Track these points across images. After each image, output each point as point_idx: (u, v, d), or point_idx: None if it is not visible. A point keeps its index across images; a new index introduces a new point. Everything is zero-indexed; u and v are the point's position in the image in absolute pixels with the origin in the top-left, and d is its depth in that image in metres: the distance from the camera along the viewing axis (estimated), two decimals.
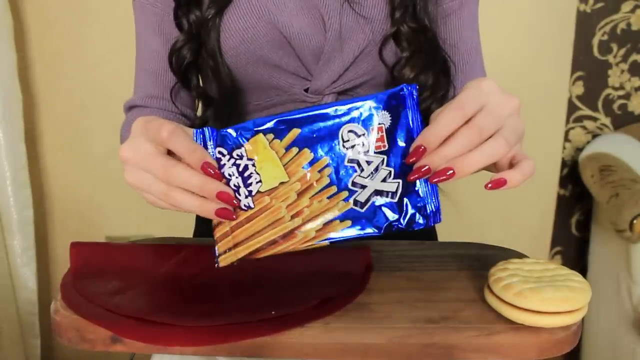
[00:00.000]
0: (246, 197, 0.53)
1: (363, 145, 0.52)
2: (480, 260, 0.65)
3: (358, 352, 0.52)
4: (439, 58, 0.74)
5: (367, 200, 0.53)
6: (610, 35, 1.60)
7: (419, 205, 0.53)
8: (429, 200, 0.53)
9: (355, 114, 0.52)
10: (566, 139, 1.67)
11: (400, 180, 0.52)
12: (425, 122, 0.53)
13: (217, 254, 0.54)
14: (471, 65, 0.78)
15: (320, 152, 0.53)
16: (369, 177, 0.52)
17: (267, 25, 0.70)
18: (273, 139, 0.53)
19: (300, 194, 0.53)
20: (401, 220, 0.53)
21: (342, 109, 0.52)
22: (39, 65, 1.57)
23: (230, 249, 0.54)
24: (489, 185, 0.52)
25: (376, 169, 0.52)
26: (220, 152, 0.53)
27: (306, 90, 0.74)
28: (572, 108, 1.65)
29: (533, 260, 0.59)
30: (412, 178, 0.51)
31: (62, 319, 0.54)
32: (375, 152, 0.52)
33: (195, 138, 0.53)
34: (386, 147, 0.52)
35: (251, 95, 0.77)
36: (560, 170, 1.69)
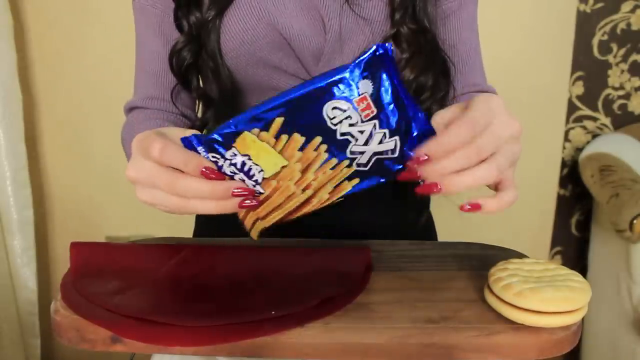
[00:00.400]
0: (254, 186, 0.54)
1: (351, 118, 0.51)
2: (480, 260, 0.65)
3: (358, 352, 0.52)
4: (439, 59, 0.74)
5: (369, 161, 0.53)
6: (610, 35, 1.60)
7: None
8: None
9: (335, 91, 0.51)
10: (566, 139, 1.67)
11: (397, 137, 0.52)
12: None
13: (247, 229, 0.56)
14: (470, 66, 0.78)
15: (310, 132, 0.52)
16: (365, 144, 0.52)
17: (267, 27, 0.70)
18: (260, 132, 0.52)
19: (303, 171, 0.54)
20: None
21: (319, 88, 0.51)
22: (39, 65, 1.57)
23: (256, 221, 0.56)
24: (466, 207, 0.53)
25: (370, 135, 0.52)
26: (213, 157, 0.53)
27: None
28: (572, 108, 1.65)
29: (533, 260, 0.59)
30: (400, 178, 0.52)
31: (62, 319, 0.54)
32: (365, 121, 0.51)
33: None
34: (374, 112, 0.51)
35: (251, 96, 0.77)
36: (560, 170, 1.69)
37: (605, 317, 1.51)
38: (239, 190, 0.52)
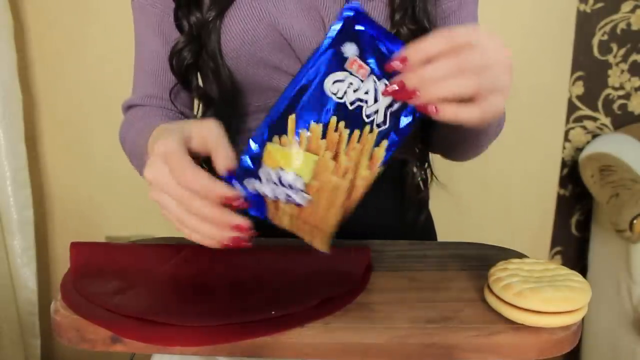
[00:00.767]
0: (303, 197, 0.55)
1: (352, 84, 0.53)
2: (480, 260, 0.65)
3: (358, 352, 0.52)
4: None
5: (385, 115, 0.54)
6: (610, 35, 1.60)
7: None
8: None
9: (326, 67, 0.53)
10: (566, 139, 1.67)
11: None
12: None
13: (311, 243, 0.57)
14: None
15: (324, 116, 0.53)
16: (375, 102, 0.53)
17: (267, 28, 0.70)
18: (279, 138, 0.53)
19: (335, 157, 0.54)
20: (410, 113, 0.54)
21: (312, 72, 0.53)
22: (39, 65, 1.57)
23: (315, 230, 0.56)
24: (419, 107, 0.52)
25: (375, 90, 0.53)
26: (251, 186, 0.55)
27: None
28: (572, 108, 1.65)
29: (533, 260, 0.59)
30: (384, 94, 0.52)
31: (62, 319, 0.54)
32: (364, 80, 0.53)
33: None
34: (368, 69, 0.53)
35: (251, 96, 0.77)
36: (560, 170, 1.69)
37: (605, 317, 1.51)
38: (241, 226, 0.53)
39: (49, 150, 1.63)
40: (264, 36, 0.70)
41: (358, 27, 0.53)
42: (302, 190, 0.54)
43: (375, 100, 0.53)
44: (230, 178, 0.54)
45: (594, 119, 1.66)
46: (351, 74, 0.53)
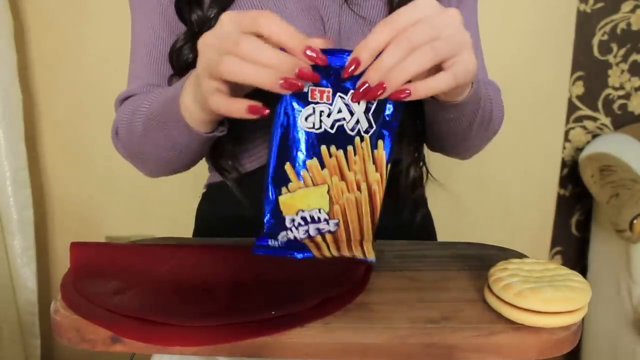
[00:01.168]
0: (331, 223, 0.57)
1: (323, 111, 0.54)
2: (480, 260, 0.65)
3: (358, 352, 0.52)
4: None
5: (367, 120, 0.54)
6: (610, 35, 1.60)
7: None
8: None
9: (292, 109, 0.54)
10: (566, 139, 1.67)
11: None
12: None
13: (367, 260, 0.58)
14: None
15: (314, 150, 0.55)
16: (352, 115, 0.54)
17: None
18: (286, 187, 0.56)
19: (342, 177, 0.56)
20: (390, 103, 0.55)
21: (283, 118, 0.54)
22: (39, 65, 1.57)
23: (362, 243, 0.58)
24: (397, 94, 0.51)
25: (346, 105, 0.54)
26: (285, 238, 0.57)
27: None
28: (572, 108, 1.65)
29: (533, 260, 0.59)
30: (355, 100, 0.52)
31: (62, 319, 0.54)
32: (331, 102, 0.54)
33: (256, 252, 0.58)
34: (330, 90, 0.53)
35: (252, 94, 0.77)
36: (560, 170, 1.69)
37: (605, 317, 1.51)
38: (309, 73, 0.50)
39: (49, 150, 1.63)
40: None
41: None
42: (327, 219, 0.56)
43: (352, 114, 0.54)
44: (263, 240, 0.57)
45: (594, 119, 1.66)
46: (317, 103, 0.54)
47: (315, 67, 0.51)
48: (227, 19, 0.51)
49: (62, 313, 0.54)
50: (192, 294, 0.57)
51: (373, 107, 0.54)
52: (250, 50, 0.48)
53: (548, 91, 1.63)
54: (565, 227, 1.74)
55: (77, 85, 1.58)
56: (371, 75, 0.50)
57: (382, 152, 0.55)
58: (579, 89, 1.64)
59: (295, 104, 0.54)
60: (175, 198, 1.54)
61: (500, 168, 1.64)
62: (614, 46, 1.61)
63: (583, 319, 0.54)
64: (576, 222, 1.74)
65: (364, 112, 0.54)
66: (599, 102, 1.64)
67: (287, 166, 0.55)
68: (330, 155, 0.55)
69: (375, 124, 0.55)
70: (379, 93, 0.50)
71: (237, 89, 0.54)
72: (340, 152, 0.55)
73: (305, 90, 0.53)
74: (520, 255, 0.64)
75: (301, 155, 0.55)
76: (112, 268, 0.61)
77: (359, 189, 0.56)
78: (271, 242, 0.58)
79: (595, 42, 1.60)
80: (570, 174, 1.69)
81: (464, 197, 1.64)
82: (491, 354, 0.52)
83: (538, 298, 0.52)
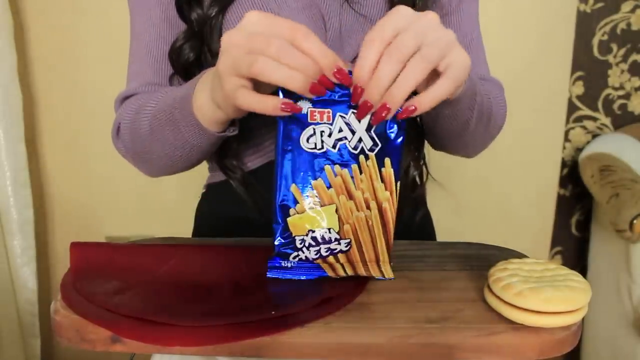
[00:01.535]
0: (342, 243, 0.57)
1: (323, 132, 0.54)
2: (480, 260, 0.65)
3: (358, 352, 0.52)
4: None
5: (371, 139, 0.54)
6: (610, 35, 1.60)
7: None
8: None
9: (293, 132, 0.54)
10: (566, 139, 1.67)
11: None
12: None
13: (385, 279, 0.59)
14: (471, 60, 0.78)
15: (318, 171, 0.55)
16: (353, 134, 0.54)
17: None
18: (294, 209, 0.56)
19: (350, 197, 0.56)
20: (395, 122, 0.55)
21: (286, 141, 0.54)
22: (39, 65, 1.57)
23: (379, 263, 0.59)
24: (401, 114, 0.51)
25: (347, 124, 0.54)
26: (298, 258, 0.58)
27: None
28: (572, 108, 1.65)
29: (533, 260, 0.59)
30: (360, 117, 0.52)
31: (62, 319, 0.54)
32: (332, 122, 0.54)
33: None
34: (329, 109, 0.53)
35: None
36: (560, 170, 1.69)
37: (605, 317, 1.51)
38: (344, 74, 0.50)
39: (49, 150, 1.63)
40: None
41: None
42: (338, 239, 0.57)
43: (353, 132, 0.54)
44: (274, 261, 0.58)
45: (594, 119, 1.66)
46: (317, 123, 0.54)
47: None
48: (255, 18, 0.51)
49: (62, 313, 0.54)
50: (192, 294, 0.57)
51: (375, 125, 0.54)
52: (282, 52, 0.49)
53: (548, 91, 1.63)
54: (565, 227, 1.74)
55: (77, 85, 1.57)
56: (372, 94, 0.50)
57: (389, 170, 0.55)
58: (579, 89, 1.64)
59: (294, 129, 0.54)
60: (175, 198, 1.54)
61: (500, 168, 1.64)
62: (614, 46, 1.61)
63: (583, 319, 0.54)
64: (576, 222, 1.74)
65: (366, 130, 0.54)
66: (599, 102, 1.64)
67: (293, 188, 0.55)
68: (335, 175, 0.55)
69: (379, 141, 0.55)
70: (384, 115, 0.50)
71: (257, 90, 0.54)
72: (346, 171, 0.55)
73: (305, 112, 0.53)
74: (520, 255, 0.63)
75: (306, 176, 0.55)
76: (112, 268, 0.61)
77: (368, 207, 0.56)
78: (284, 263, 0.58)
79: (595, 42, 1.60)
80: (570, 174, 1.69)
81: (464, 197, 1.64)
82: (491, 354, 0.52)
83: (538, 298, 0.52)
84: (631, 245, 1.38)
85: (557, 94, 1.64)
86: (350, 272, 0.59)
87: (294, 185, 0.55)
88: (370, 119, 0.53)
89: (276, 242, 0.57)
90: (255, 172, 0.78)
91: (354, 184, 0.55)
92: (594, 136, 1.66)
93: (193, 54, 0.72)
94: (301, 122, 0.54)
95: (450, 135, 0.73)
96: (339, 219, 0.56)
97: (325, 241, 0.57)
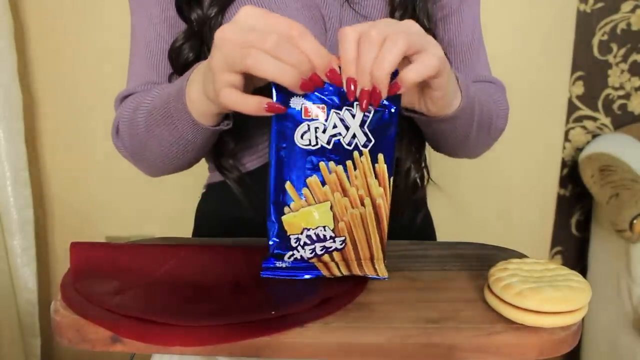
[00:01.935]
0: (337, 241, 0.57)
1: (318, 128, 0.54)
2: (480, 260, 0.65)
3: (358, 352, 0.52)
4: None
5: (364, 134, 0.54)
6: (610, 35, 1.60)
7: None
8: None
9: (287, 129, 0.54)
10: (566, 139, 1.67)
11: (355, 103, 0.53)
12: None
13: (380, 278, 0.59)
14: (472, 60, 0.78)
15: (313, 168, 0.55)
16: (347, 129, 0.54)
17: None
18: (289, 207, 0.56)
19: (344, 194, 0.56)
20: (391, 110, 0.55)
21: (280, 137, 0.54)
22: (39, 65, 1.57)
23: (373, 261, 0.58)
24: (390, 90, 0.52)
25: (341, 120, 0.54)
26: (292, 258, 0.57)
27: None
28: (572, 108, 1.65)
29: (533, 260, 0.59)
30: (363, 108, 0.52)
31: (62, 319, 0.54)
32: (327, 118, 0.54)
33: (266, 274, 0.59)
34: (323, 105, 0.53)
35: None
36: (560, 170, 1.69)
37: (605, 317, 1.51)
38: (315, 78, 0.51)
39: (49, 150, 1.63)
40: None
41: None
42: (333, 237, 0.56)
43: (347, 128, 0.54)
44: (269, 261, 0.57)
45: (594, 119, 1.66)
46: (311, 120, 0.54)
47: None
48: (251, 12, 0.50)
49: (62, 313, 0.54)
50: (192, 294, 0.57)
51: (368, 120, 0.54)
52: (277, 47, 0.48)
53: (548, 91, 1.63)
54: (565, 227, 1.74)
55: (77, 85, 1.58)
56: (361, 79, 0.51)
57: (383, 166, 0.55)
58: (579, 89, 1.64)
59: (288, 125, 0.54)
60: (175, 198, 1.54)
61: (500, 168, 1.64)
62: (614, 46, 1.61)
63: (583, 319, 0.54)
64: (576, 222, 1.74)
65: (360, 126, 0.54)
66: (599, 102, 1.64)
67: (288, 185, 0.55)
68: (330, 172, 0.55)
69: (372, 137, 0.54)
70: (378, 92, 0.51)
71: (247, 85, 0.54)
72: (340, 168, 0.55)
73: (299, 108, 0.53)
74: (520, 255, 0.64)
75: (300, 173, 0.55)
76: (112, 268, 0.61)
77: (362, 204, 0.56)
78: (278, 264, 0.58)
79: (595, 42, 1.60)
80: (570, 174, 1.69)
81: (464, 197, 1.64)
82: (491, 354, 0.52)
83: (538, 298, 0.52)
84: (631, 245, 1.38)
85: (557, 94, 1.64)
86: (345, 272, 0.58)
87: (288, 182, 0.55)
88: (370, 105, 0.53)
89: (270, 243, 0.57)
90: (253, 173, 0.78)
91: (349, 180, 0.55)
92: (594, 136, 1.66)
93: (193, 53, 0.72)
94: (295, 119, 0.54)
95: (451, 145, 0.74)
96: (334, 216, 0.56)
97: (321, 239, 0.57)
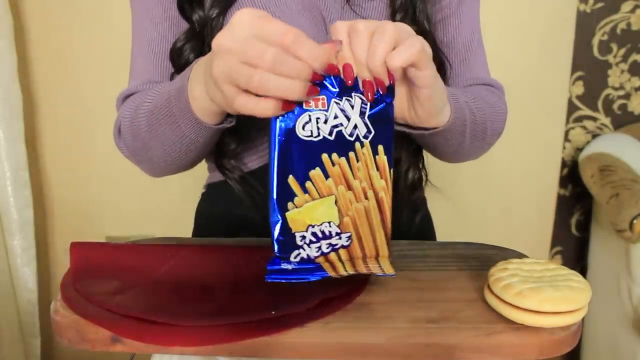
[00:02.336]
0: (343, 237, 0.56)
1: (319, 118, 0.53)
2: (480, 260, 0.65)
3: (358, 352, 0.52)
4: (436, 60, 0.74)
5: (365, 125, 0.54)
6: (610, 35, 1.60)
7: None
8: None
9: (289, 120, 0.53)
10: (566, 139, 1.67)
11: (358, 95, 0.54)
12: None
13: (386, 275, 0.57)
14: (471, 61, 0.78)
15: (315, 160, 0.54)
16: (349, 120, 0.54)
17: None
18: (292, 203, 0.54)
19: (348, 187, 0.55)
20: (387, 101, 0.55)
21: (281, 129, 0.53)
22: (39, 65, 1.57)
23: (377, 258, 0.57)
24: (380, 85, 0.53)
25: (342, 110, 0.54)
26: (299, 257, 0.55)
27: None
28: (572, 108, 1.65)
29: (533, 260, 0.59)
30: (370, 99, 0.53)
31: (62, 319, 0.54)
32: (327, 108, 0.53)
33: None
34: (325, 96, 0.53)
35: None
36: (560, 170, 1.69)
37: (605, 317, 1.51)
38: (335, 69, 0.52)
39: (49, 150, 1.63)
40: None
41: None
42: (339, 233, 0.55)
43: (348, 119, 0.54)
44: (274, 262, 0.55)
45: (594, 119, 1.66)
46: (312, 110, 0.53)
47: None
48: (246, 17, 0.50)
49: (62, 313, 0.54)
50: (192, 294, 0.57)
51: (368, 111, 0.54)
52: (277, 62, 0.48)
53: (548, 91, 1.63)
54: (565, 227, 1.74)
55: (78, 85, 1.58)
56: (361, 71, 0.52)
57: (383, 157, 0.55)
58: (579, 89, 1.64)
59: (289, 116, 0.53)
60: (175, 198, 1.54)
61: (500, 168, 1.64)
62: (614, 46, 1.61)
63: (583, 319, 0.54)
64: (576, 222, 1.74)
65: (360, 117, 0.54)
66: (599, 102, 1.65)
67: (291, 179, 0.54)
68: (333, 164, 0.54)
69: (372, 128, 0.54)
70: (380, 80, 0.52)
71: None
72: (343, 160, 0.54)
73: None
74: (520, 255, 0.64)
75: (303, 166, 0.54)
76: (112, 268, 0.61)
77: (366, 197, 0.55)
78: (284, 265, 0.55)
79: (595, 42, 1.60)
80: (570, 174, 1.69)
81: (464, 197, 1.64)
82: (491, 354, 0.52)
83: (538, 298, 0.52)
84: (631, 245, 1.38)
85: (557, 94, 1.64)
86: (350, 271, 0.58)
87: (291, 177, 0.54)
88: (378, 93, 0.53)
89: (275, 242, 0.56)
90: (255, 173, 0.78)
91: (352, 172, 0.55)
92: (594, 136, 1.66)
93: (194, 54, 0.72)
94: (295, 109, 0.53)
95: (445, 153, 0.75)
96: (339, 211, 0.55)
97: (326, 236, 0.55)
